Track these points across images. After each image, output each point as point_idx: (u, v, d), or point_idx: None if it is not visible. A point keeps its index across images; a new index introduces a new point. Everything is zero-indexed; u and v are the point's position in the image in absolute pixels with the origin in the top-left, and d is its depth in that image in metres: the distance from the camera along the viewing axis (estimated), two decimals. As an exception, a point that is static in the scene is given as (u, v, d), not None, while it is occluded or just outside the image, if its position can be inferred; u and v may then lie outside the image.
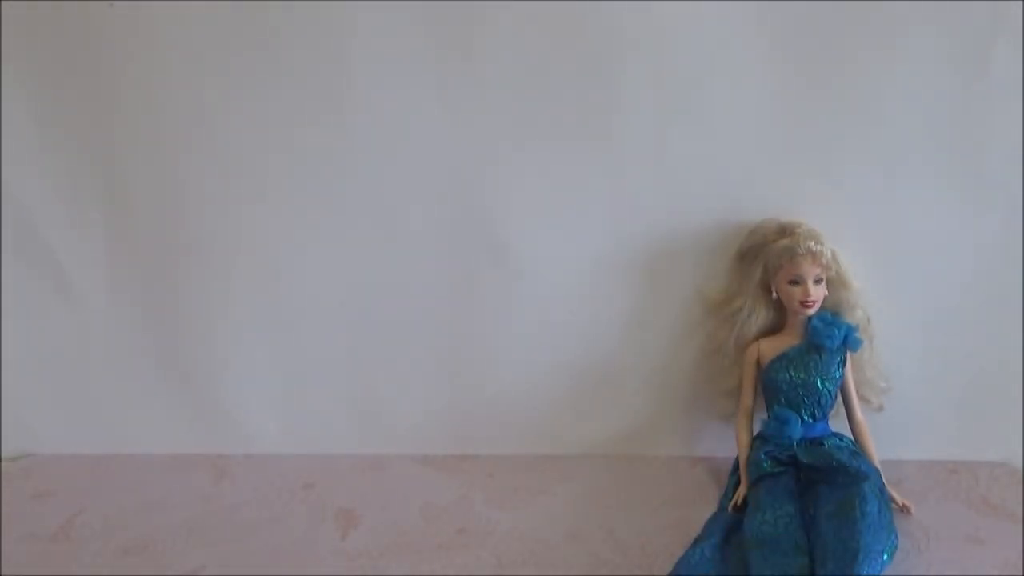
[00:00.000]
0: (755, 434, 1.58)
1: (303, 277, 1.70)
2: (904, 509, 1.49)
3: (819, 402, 1.53)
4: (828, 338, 1.52)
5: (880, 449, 1.54)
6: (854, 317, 1.56)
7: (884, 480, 1.47)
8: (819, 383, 1.52)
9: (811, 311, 1.53)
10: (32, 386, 1.77)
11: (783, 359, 1.55)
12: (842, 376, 1.55)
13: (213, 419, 1.77)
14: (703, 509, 1.51)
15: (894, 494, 1.49)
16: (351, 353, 1.74)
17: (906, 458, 1.64)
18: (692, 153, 1.59)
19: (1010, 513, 1.50)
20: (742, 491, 1.49)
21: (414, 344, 1.72)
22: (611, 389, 1.73)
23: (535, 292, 1.67)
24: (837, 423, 1.57)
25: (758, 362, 1.58)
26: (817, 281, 1.52)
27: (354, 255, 1.68)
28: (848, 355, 1.55)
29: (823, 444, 1.51)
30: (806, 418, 1.53)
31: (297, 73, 1.57)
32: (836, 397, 1.56)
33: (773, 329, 1.60)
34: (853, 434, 1.56)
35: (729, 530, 1.42)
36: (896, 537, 1.37)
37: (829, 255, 1.52)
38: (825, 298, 1.54)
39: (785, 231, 1.54)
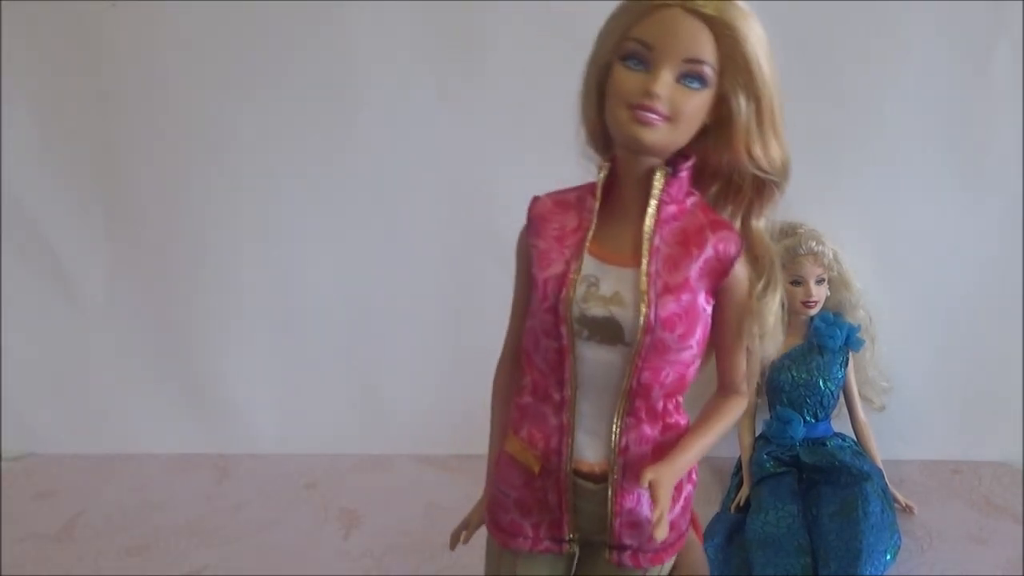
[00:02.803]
0: (757, 434, 1.58)
1: (305, 278, 1.70)
2: (907, 509, 1.49)
3: (821, 402, 1.53)
4: (830, 338, 1.52)
5: (883, 449, 1.54)
6: (856, 317, 1.56)
7: (887, 480, 1.48)
8: (821, 383, 1.52)
9: (813, 311, 1.53)
10: (33, 386, 1.77)
11: (785, 359, 1.54)
12: (844, 376, 1.55)
13: (215, 419, 1.77)
14: (706, 509, 1.51)
15: (897, 494, 1.49)
16: (353, 353, 1.74)
17: (908, 458, 1.64)
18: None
19: (1012, 513, 1.50)
20: (744, 491, 1.49)
21: (416, 344, 1.72)
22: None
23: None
24: (839, 423, 1.57)
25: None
26: (819, 281, 1.52)
27: (356, 256, 1.68)
28: (850, 355, 1.55)
29: (825, 444, 1.51)
30: (808, 418, 1.53)
31: (299, 74, 1.57)
32: (838, 397, 1.56)
33: (775, 329, 1.60)
34: (855, 434, 1.56)
35: (732, 530, 1.42)
36: (899, 537, 1.37)
37: (831, 255, 1.52)
38: (827, 298, 1.54)
39: (786, 232, 1.54)
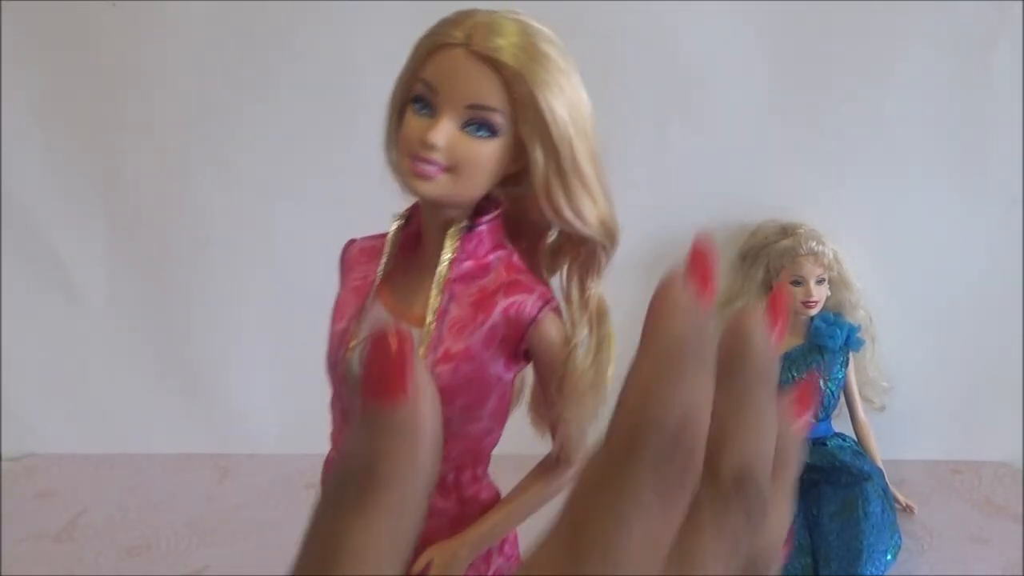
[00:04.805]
0: (757, 434, 1.57)
1: (305, 276, 1.68)
2: (907, 509, 1.49)
3: (822, 402, 1.53)
4: (830, 338, 1.52)
5: (883, 449, 1.54)
6: (856, 317, 1.56)
7: (887, 480, 1.48)
8: (821, 383, 1.52)
9: (813, 311, 1.53)
10: (33, 386, 1.77)
11: (785, 360, 1.54)
12: (844, 376, 1.55)
13: (215, 419, 1.76)
14: (705, 509, 1.51)
15: (897, 494, 1.49)
16: (353, 353, 1.74)
17: (909, 458, 1.64)
18: (692, 153, 1.59)
19: (1013, 513, 1.50)
20: (744, 491, 1.49)
21: (416, 344, 1.72)
22: (613, 390, 1.72)
23: (537, 292, 1.67)
24: (840, 423, 1.57)
25: (760, 362, 1.58)
26: (819, 282, 1.52)
27: (356, 255, 1.68)
28: (850, 355, 1.55)
29: (826, 444, 1.51)
30: (808, 418, 1.53)
31: (299, 73, 1.57)
32: (839, 397, 1.56)
33: (775, 329, 1.60)
34: (856, 434, 1.56)
35: (732, 530, 1.42)
36: (899, 537, 1.37)
37: (831, 255, 1.52)
38: (827, 298, 1.54)
39: (787, 232, 1.54)
